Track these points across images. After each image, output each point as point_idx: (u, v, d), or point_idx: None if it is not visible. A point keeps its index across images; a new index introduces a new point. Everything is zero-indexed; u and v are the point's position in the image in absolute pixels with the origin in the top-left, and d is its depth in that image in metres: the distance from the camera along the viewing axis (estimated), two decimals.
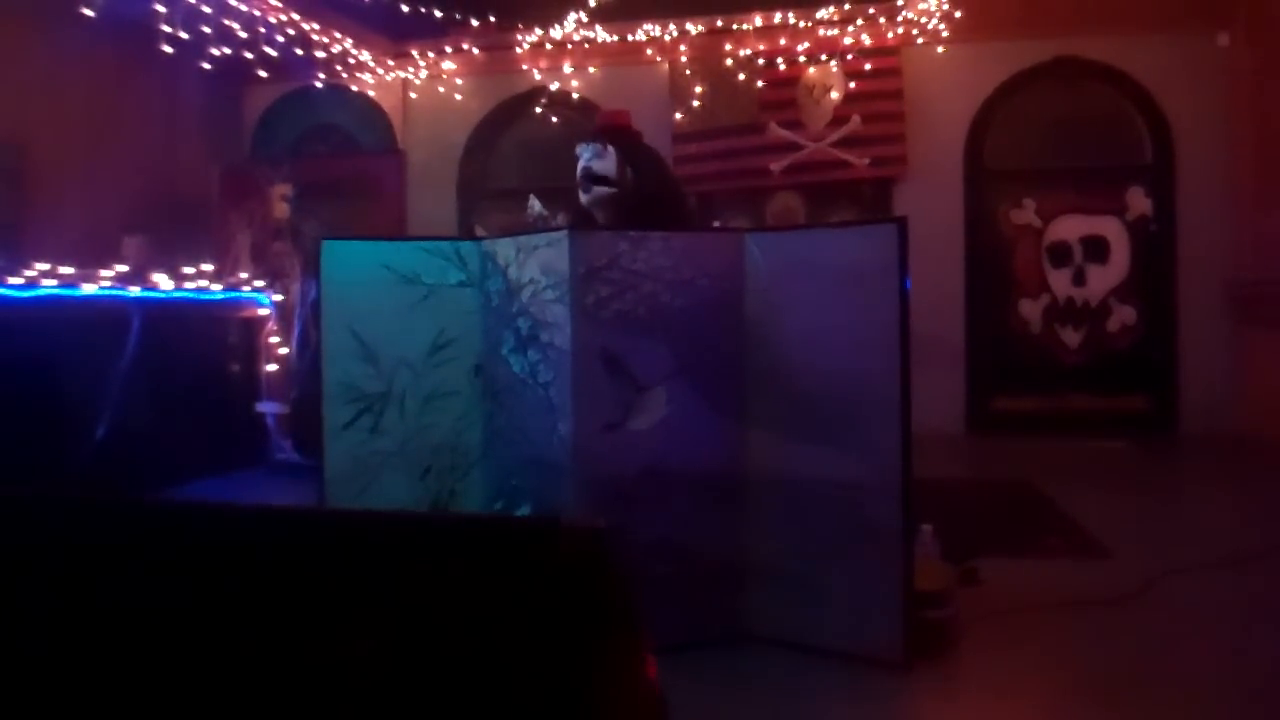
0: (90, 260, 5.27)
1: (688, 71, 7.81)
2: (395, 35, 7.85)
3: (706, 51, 7.78)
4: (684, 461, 2.96)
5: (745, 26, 7.68)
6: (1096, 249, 7.34)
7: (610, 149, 3.40)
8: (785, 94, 7.64)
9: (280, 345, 6.36)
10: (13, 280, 4.68)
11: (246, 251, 7.08)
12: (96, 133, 6.62)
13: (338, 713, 1.02)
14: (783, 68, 7.64)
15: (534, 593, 0.99)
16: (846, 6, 7.42)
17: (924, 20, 7.29)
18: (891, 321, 2.75)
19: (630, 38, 7.78)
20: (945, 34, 7.29)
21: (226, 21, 6.45)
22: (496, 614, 1.00)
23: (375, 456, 3.17)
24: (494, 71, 8.16)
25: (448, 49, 8.06)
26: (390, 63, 8.16)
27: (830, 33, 7.53)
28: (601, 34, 7.72)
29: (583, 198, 3.46)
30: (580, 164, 3.44)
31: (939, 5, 7.10)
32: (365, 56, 7.95)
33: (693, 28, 7.75)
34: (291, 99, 8.43)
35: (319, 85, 7.95)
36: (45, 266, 4.94)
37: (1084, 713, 2.53)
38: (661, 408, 2.95)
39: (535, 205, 3.48)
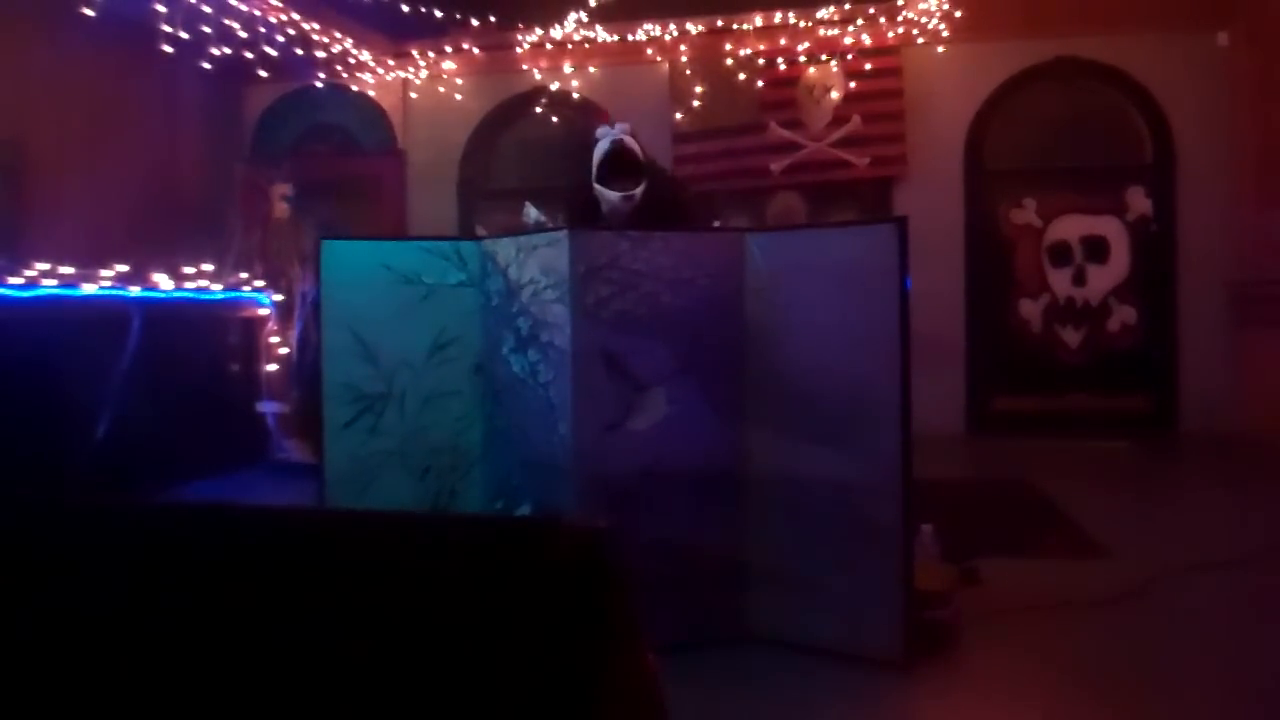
0: (90, 260, 5.27)
1: (688, 71, 7.80)
2: (395, 35, 7.85)
3: (706, 51, 7.78)
4: (684, 461, 2.96)
5: (745, 26, 7.67)
6: (1096, 249, 7.34)
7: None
8: (785, 94, 7.64)
9: (280, 345, 6.36)
10: (13, 280, 4.68)
11: (246, 251, 7.08)
12: (97, 132, 6.62)
13: (338, 712, 1.02)
14: (783, 68, 7.64)
15: (534, 593, 0.99)
16: (846, 6, 7.41)
17: (924, 20, 7.29)
18: (891, 321, 2.75)
19: (630, 38, 7.77)
20: (945, 34, 7.29)
21: (226, 21, 6.45)
22: (496, 614, 1.00)
23: (375, 456, 3.17)
24: (494, 71, 8.16)
25: (448, 49, 8.05)
26: (390, 63, 8.16)
27: (830, 33, 7.53)
28: (601, 34, 7.72)
29: (619, 201, 3.37)
30: (609, 141, 3.37)
31: (939, 5, 7.10)
32: (365, 56, 7.95)
33: (693, 28, 7.74)
34: (291, 99, 8.42)
35: (319, 85, 7.95)
36: (45, 266, 4.94)
37: (1084, 713, 2.53)
38: (661, 408, 2.95)
39: (532, 212, 3.47)
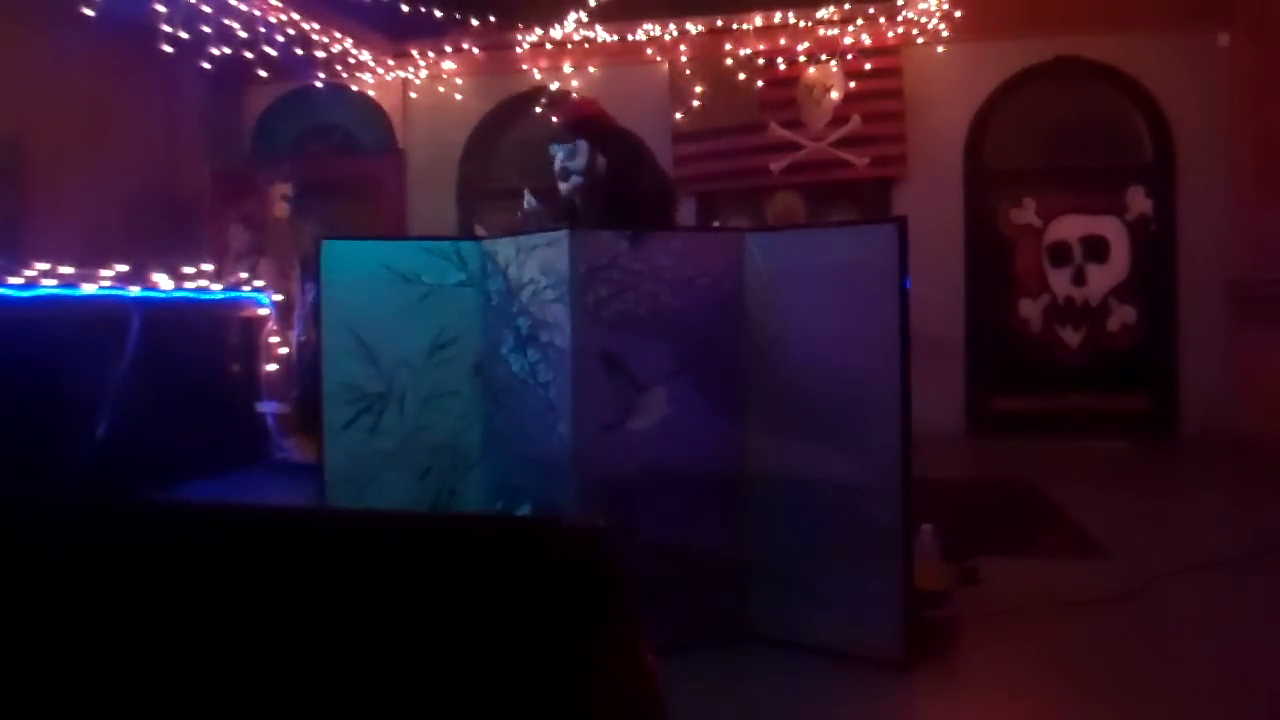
0: (90, 260, 5.27)
1: (688, 71, 7.81)
2: (395, 35, 7.85)
3: (706, 51, 7.78)
4: (684, 461, 2.96)
5: (745, 26, 7.67)
6: (1096, 249, 7.34)
7: (580, 143, 3.45)
8: (785, 94, 7.64)
9: (280, 345, 6.36)
10: (13, 280, 4.68)
11: (245, 251, 7.08)
12: (96, 132, 6.62)
13: (338, 712, 1.02)
14: (783, 67, 7.64)
15: (534, 593, 0.99)
16: (846, 6, 7.42)
17: (924, 20, 7.29)
18: (891, 321, 2.75)
19: (630, 38, 7.78)
20: (945, 34, 7.29)
21: (226, 21, 6.45)
22: (496, 614, 1.00)
23: (375, 456, 3.17)
24: (494, 71, 8.16)
25: (448, 49, 8.06)
26: (390, 63, 8.16)
27: (830, 32, 7.53)
28: (601, 34, 7.72)
29: (561, 187, 3.52)
30: (556, 165, 3.50)
31: (939, 5, 7.10)
32: (365, 56, 7.96)
33: (693, 28, 7.74)
34: (291, 99, 8.42)
35: (319, 85, 7.94)
36: (45, 266, 4.94)
37: (1084, 712, 2.53)
38: (661, 407, 2.95)
39: (531, 200, 3.52)
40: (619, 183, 3.42)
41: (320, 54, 7.52)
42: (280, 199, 7.52)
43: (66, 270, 5.03)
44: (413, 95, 8.32)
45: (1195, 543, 4.04)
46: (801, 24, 7.56)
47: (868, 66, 7.48)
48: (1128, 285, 7.31)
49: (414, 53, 8.10)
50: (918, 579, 2.80)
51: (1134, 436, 6.91)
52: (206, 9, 6.23)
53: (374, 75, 8.22)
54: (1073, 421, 7.21)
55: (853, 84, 7.50)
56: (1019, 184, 7.46)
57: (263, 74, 7.24)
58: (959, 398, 7.41)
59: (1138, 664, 2.80)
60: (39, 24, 6.03)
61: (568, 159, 3.45)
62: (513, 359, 3.11)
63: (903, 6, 7.33)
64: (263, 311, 6.40)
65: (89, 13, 5.69)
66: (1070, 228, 7.38)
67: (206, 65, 6.53)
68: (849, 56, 7.50)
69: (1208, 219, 7.07)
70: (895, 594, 2.75)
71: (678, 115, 7.74)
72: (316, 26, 7.23)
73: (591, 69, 8.01)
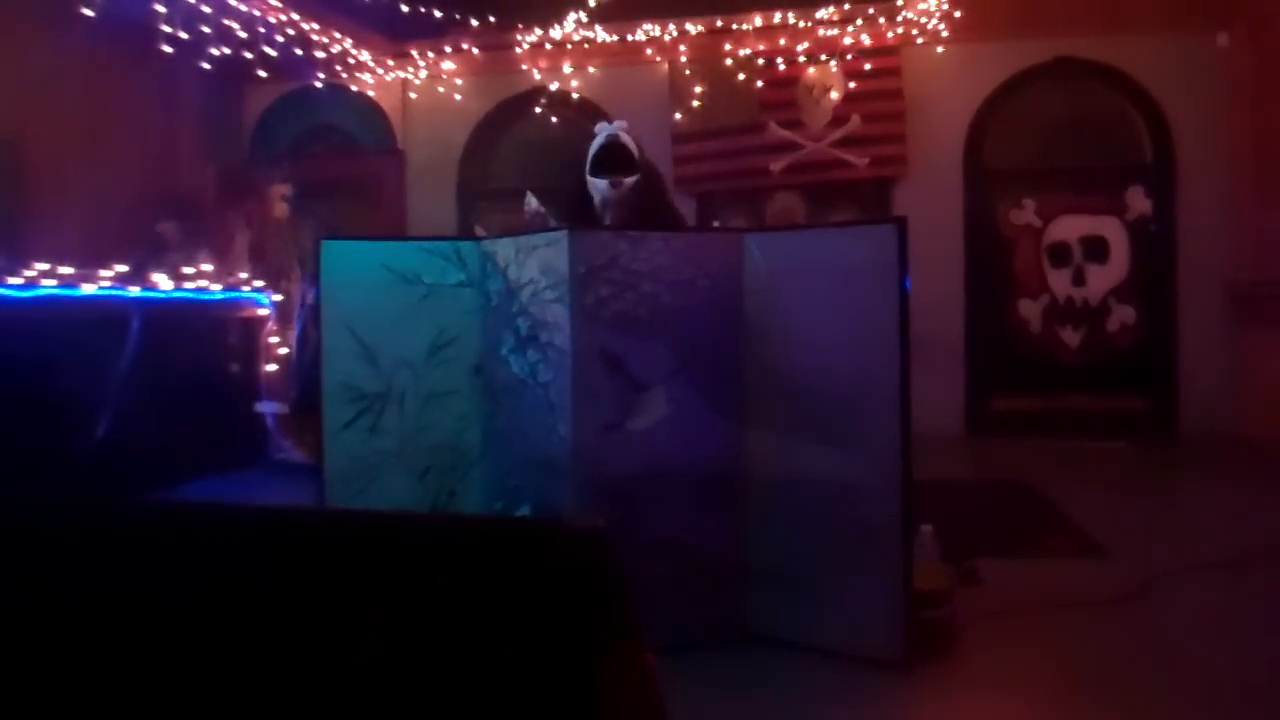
0: (90, 260, 5.27)
1: (687, 71, 7.81)
2: (395, 35, 7.85)
3: (706, 51, 7.79)
4: (684, 461, 2.96)
5: (745, 26, 7.68)
6: (1096, 249, 7.34)
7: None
8: (785, 94, 7.64)
9: (280, 345, 6.36)
10: (13, 280, 4.68)
11: (246, 251, 7.08)
12: (96, 132, 6.61)
13: (338, 713, 1.02)
14: (782, 68, 7.64)
15: (534, 593, 0.99)
16: (846, 6, 7.42)
17: (924, 20, 7.29)
18: (891, 321, 2.75)
19: (630, 38, 7.78)
20: (945, 34, 7.29)
21: (226, 21, 6.45)
22: (496, 615, 1.00)
23: (375, 456, 3.17)
24: (494, 71, 8.16)
25: (448, 49, 8.06)
26: (390, 63, 8.16)
27: (830, 33, 7.53)
28: (601, 34, 7.72)
29: (607, 190, 3.42)
30: (604, 136, 3.45)
31: (939, 5, 7.10)
32: (365, 56, 7.95)
33: (692, 28, 7.74)
34: (291, 99, 8.42)
35: (319, 85, 7.94)
36: (45, 266, 4.94)
37: (1084, 712, 2.53)
38: (661, 408, 2.95)
39: (532, 202, 3.50)
40: (655, 190, 3.45)
41: (320, 54, 7.52)
42: (280, 199, 7.52)
43: (66, 270, 5.02)
44: (412, 95, 8.32)
45: (1195, 543, 4.04)
46: (801, 24, 7.56)
47: (867, 67, 7.48)
48: (1127, 285, 7.31)
49: (414, 53, 8.10)
50: (918, 579, 2.80)
51: (1134, 436, 6.91)
52: (206, 9, 6.23)
53: (374, 75, 8.22)
54: (1072, 421, 7.21)
55: (852, 84, 7.50)
56: (1019, 184, 7.46)
57: (263, 74, 7.24)
58: (959, 398, 7.41)
59: (1138, 664, 2.80)
60: (38, 24, 6.02)
61: (620, 131, 3.46)
62: (513, 359, 3.11)
63: (902, 6, 7.33)
64: (263, 311, 6.40)
65: (88, 13, 5.69)
66: (1070, 228, 7.38)
67: (206, 65, 6.52)
68: (849, 57, 7.50)
69: (1207, 219, 7.07)
70: (895, 594, 2.75)
71: (677, 115, 7.74)
72: (316, 27, 7.23)
73: (591, 69, 8.01)
